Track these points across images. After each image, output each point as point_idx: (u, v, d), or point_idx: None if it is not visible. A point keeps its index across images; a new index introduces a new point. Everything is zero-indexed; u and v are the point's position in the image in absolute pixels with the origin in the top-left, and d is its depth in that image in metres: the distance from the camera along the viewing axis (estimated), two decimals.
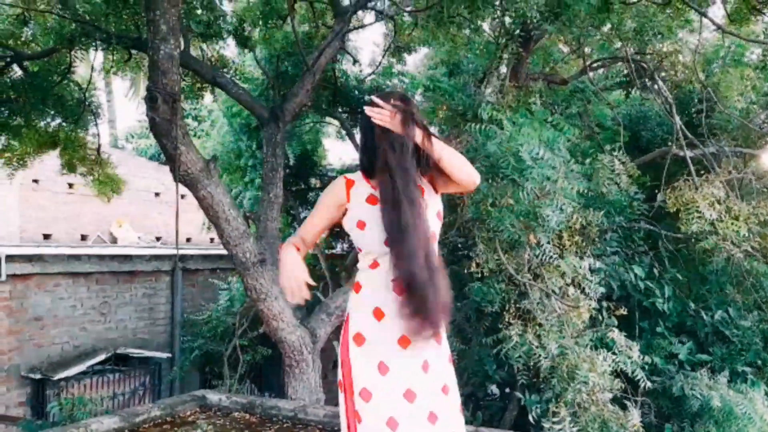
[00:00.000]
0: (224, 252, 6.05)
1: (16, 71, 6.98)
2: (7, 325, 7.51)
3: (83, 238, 12.90)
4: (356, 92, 8.31)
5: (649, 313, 6.64)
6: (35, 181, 11.74)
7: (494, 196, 4.92)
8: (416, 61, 9.90)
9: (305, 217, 9.66)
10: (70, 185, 12.04)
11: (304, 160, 9.70)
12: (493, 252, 5.21)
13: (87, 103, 7.23)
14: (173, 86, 4.89)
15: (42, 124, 7.23)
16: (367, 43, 27.24)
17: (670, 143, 6.77)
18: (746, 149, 7.01)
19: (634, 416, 4.91)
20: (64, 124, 7.32)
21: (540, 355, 4.88)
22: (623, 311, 5.48)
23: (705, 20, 6.28)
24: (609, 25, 5.99)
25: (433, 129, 7.10)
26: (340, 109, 8.63)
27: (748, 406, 5.55)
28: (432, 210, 2.22)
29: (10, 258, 7.50)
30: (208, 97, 8.50)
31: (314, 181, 10.13)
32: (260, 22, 7.59)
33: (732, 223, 5.41)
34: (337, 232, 8.67)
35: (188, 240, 13.99)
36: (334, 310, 6.21)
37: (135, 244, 13.21)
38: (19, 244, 11.23)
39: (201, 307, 9.44)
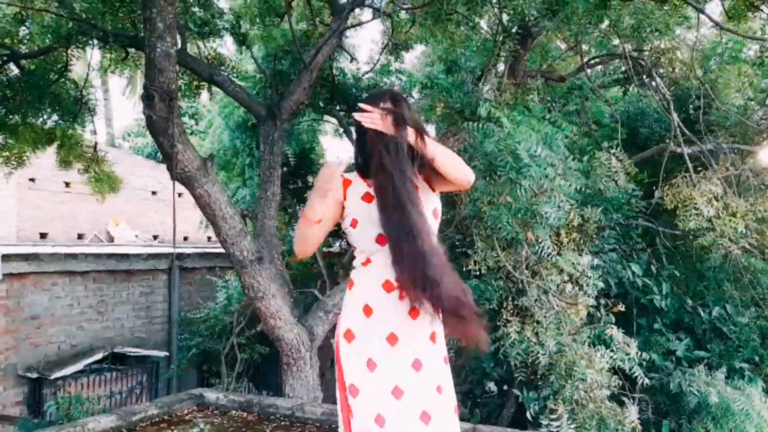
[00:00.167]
0: (221, 250, 6.04)
1: (13, 69, 6.97)
2: (3, 324, 7.50)
3: (80, 236, 12.87)
4: (354, 90, 8.29)
5: (647, 310, 6.65)
6: (32, 179, 11.72)
7: (492, 193, 4.91)
8: (413, 58, 9.89)
9: None
10: (67, 184, 12.02)
11: (302, 158, 9.68)
12: (491, 249, 5.21)
13: (84, 101, 7.22)
14: (170, 84, 4.88)
15: (39, 121, 7.21)
16: (365, 40, 27.27)
17: (667, 140, 6.77)
18: (744, 146, 7.01)
19: (632, 413, 4.91)
20: (61, 121, 7.31)
21: (538, 352, 4.88)
22: (621, 308, 5.48)
23: (702, 17, 6.28)
24: (607, 22, 5.99)
25: (430, 127, 7.11)
26: (337, 107, 8.62)
27: (745, 403, 5.55)
28: (428, 208, 2.22)
29: (6, 257, 7.49)
30: (204, 95, 8.49)
31: (312, 180, 10.11)
32: (257, 20, 7.57)
33: (729, 220, 5.41)
34: (335, 230, 8.67)
35: (185, 238, 13.98)
36: (332, 307, 6.20)
37: (132, 242, 13.19)
38: (15, 242, 11.21)
39: (198, 306, 9.43)
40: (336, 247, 9.51)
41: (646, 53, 6.94)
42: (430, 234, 2.11)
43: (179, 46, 5.99)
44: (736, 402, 5.55)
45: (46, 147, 7.42)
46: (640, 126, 7.77)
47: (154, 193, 14.23)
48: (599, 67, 8.05)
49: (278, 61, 7.83)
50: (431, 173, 2.21)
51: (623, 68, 7.41)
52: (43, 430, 4.24)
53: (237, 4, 7.73)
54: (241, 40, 7.69)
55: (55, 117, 7.32)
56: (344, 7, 6.79)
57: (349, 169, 2.29)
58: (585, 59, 7.14)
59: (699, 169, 6.10)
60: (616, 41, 6.74)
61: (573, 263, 5.03)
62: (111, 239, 13.27)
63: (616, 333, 5.16)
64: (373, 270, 2.18)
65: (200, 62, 6.97)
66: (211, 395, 5.15)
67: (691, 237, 6.18)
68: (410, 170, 2.13)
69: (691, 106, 7.21)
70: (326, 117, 9.64)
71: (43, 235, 12.14)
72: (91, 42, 6.66)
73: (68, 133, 7.35)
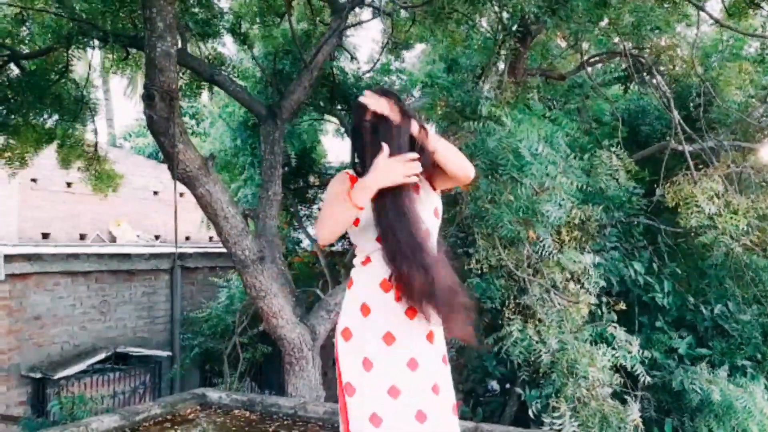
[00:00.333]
0: (223, 250, 6.05)
1: (14, 70, 6.98)
2: (6, 324, 7.51)
3: (82, 237, 12.88)
4: (354, 90, 8.29)
5: (649, 308, 6.65)
6: (34, 180, 11.72)
7: (493, 192, 4.92)
8: (414, 57, 9.88)
9: (304, 215, 9.61)
10: (69, 184, 12.03)
11: (303, 158, 9.69)
12: (493, 248, 5.21)
13: (84, 102, 7.23)
14: (171, 84, 4.88)
15: (40, 122, 7.22)
16: (365, 40, 27.24)
17: (668, 138, 6.76)
18: (745, 143, 7.00)
19: (634, 411, 4.91)
20: (61, 122, 7.32)
21: (540, 351, 4.88)
22: (623, 306, 5.48)
23: (703, 14, 6.28)
24: (607, 20, 5.98)
25: (431, 125, 7.11)
26: (338, 107, 8.62)
27: (748, 400, 5.55)
28: (429, 207, 2.22)
29: (9, 257, 7.50)
30: (205, 95, 8.49)
31: (313, 179, 10.12)
32: (257, 20, 7.57)
33: (731, 217, 5.40)
34: None
35: (187, 238, 13.98)
36: (334, 307, 6.21)
37: (134, 242, 13.20)
38: (17, 243, 11.22)
39: (200, 305, 9.44)
40: (338, 247, 9.52)
41: (647, 51, 6.93)
42: (427, 232, 2.12)
43: (179, 45, 5.99)
44: (739, 400, 5.55)
45: (47, 145, 7.44)
46: (641, 124, 7.77)
47: (155, 193, 14.22)
48: (599, 65, 8.04)
49: (279, 60, 7.83)
50: (433, 171, 2.20)
51: (624, 66, 7.40)
52: (47, 429, 4.25)
53: (237, 4, 7.73)
54: (242, 40, 7.69)
55: (56, 117, 7.33)
56: (344, 6, 6.79)
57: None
58: (585, 57, 7.13)
59: (700, 166, 6.10)
60: (617, 39, 6.74)
61: (575, 261, 5.03)
62: (113, 239, 13.27)
63: (618, 331, 5.16)
64: (371, 269, 2.18)
65: (201, 62, 6.97)
66: (213, 395, 5.16)
67: (692, 235, 6.17)
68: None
69: (691, 103, 7.20)
70: (327, 117, 9.64)
71: (45, 236, 12.15)
72: (91, 42, 6.67)
73: (69, 133, 7.36)
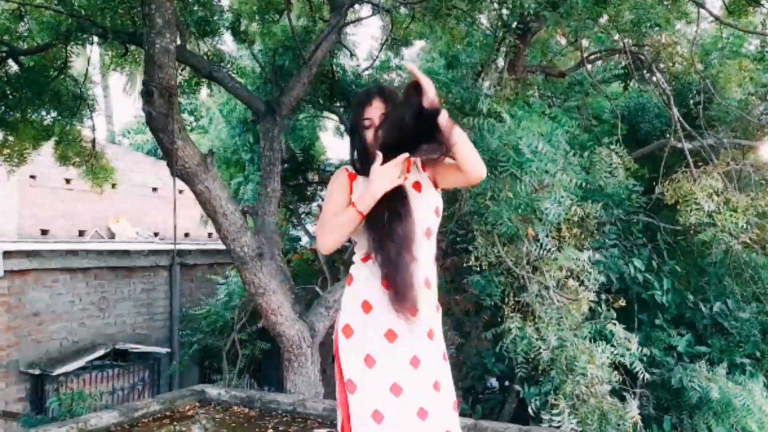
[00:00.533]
0: (222, 247, 6.04)
1: (12, 66, 6.96)
2: (5, 321, 7.51)
3: (81, 233, 12.86)
4: (353, 86, 8.27)
5: (648, 306, 6.65)
6: (32, 177, 11.70)
7: (493, 189, 4.91)
8: (413, 54, 9.85)
9: (303, 212, 9.58)
10: (68, 181, 12.01)
11: (303, 154, 9.68)
12: (492, 245, 5.21)
13: (83, 98, 7.21)
14: (169, 80, 4.87)
15: (38, 118, 7.21)
16: (365, 37, 27.21)
17: (668, 135, 6.76)
18: (744, 140, 7.00)
19: (633, 408, 4.92)
20: (60, 118, 7.30)
21: (539, 348, 4.88)
22: (622, 303, 5.49)
23: (703, 11, 6.27)
24: (606, 17, 5.98)
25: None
26: (337, 104, 8.61)
27: (746, 398, 5.56)
28: (430, 205, 2.22)
29: (7, 254, 7.49)
30: (204, 92, 8.48)
31: (312, 176, 10.11)
32: (257, 17, 7.55)
33: (730, 215, 5.40)
34: None
35: (186, 235, 13.97)
36: (333, 303, 6.20)
37: (133, 239, 13.19)
38: (16, 239, 11.21)
39: (199, 302, 9.44)
40: None
41: (646, 48, 6.92)
42: (414, 231, 2.14)
43: (178, 42, 5.98)
44: (738, 397, 5.56)
45: (45, 142, 7.42)
46: (641, 121, 7.76)
47: (154, 189, 14.20)
48: (599, 62, 8.03)
49: (278, 57, 7.82)
50: (438, 168, 2.21)
51: (623, 63, 7.39)
52: (46, 426, 4.25)
53: (237, 1, 7.71)
54: (241, 39, 7.68)
55: (54, 113, 7.31)
56: (343, 2, 6.77)
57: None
58: (585, 54, 7.13)
59: (699, 164, 6.10)
60: (616, 36, 6.73)
61: (574, 259, 5.03)
62: (112, 236, 13.26)
63: (617, 328, 5.16)
64: (372, 266, 2.17)
65: (200, 58, 6.95)
66: (212, 391, 5.16)
67: (691, 232, 6.18)
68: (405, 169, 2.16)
69: (691, 101, 7.20)
70: (327, 114, 9.63)
71: (44, 232, 12.13)
72: (90, 39, 6.65)
73: (67, 130, 7.34)
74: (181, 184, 5.50)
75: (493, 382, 8.12)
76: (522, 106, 5.26)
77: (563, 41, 7.76)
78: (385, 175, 2.06)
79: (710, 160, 6.32)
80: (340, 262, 8.63)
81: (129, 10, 6.49)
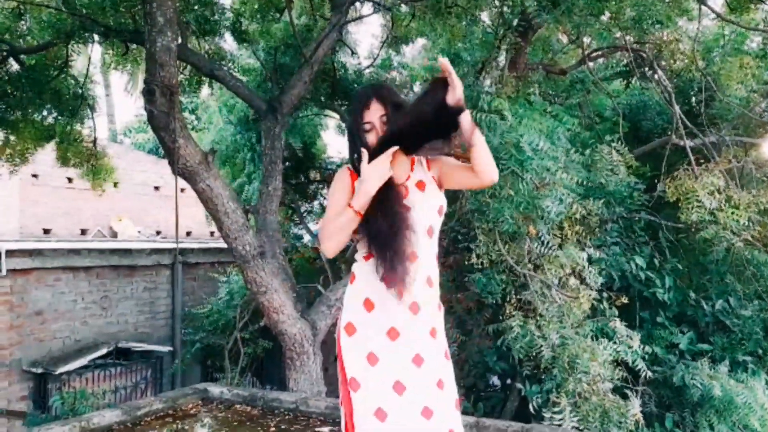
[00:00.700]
0: (224, 245, 6.04)
1: (13, 65, 6.95)
2: (8, 320, 7.52)
3: (83, 232, 12.88)
4: (355, 85, 8.27)
5: (650, 303, 6.65)
6: (34, 176, 11.71)
7: (494, 187, 4.91)
8: (414, 52, 9.85)
9: (305, 211, 9.56)
10: (70, 180, 12.02)
11: (304, 153, 9.68)
12: (493, 243, 5.21)
13: (84, 97, 7.21)
14: (171, 78, 4.87)
15: (39, 117, 7.21)
16: (366, 35, 27.17)
17: (669, 133, 6.75)
18: (746, 138, 6.99)
19: (635, 406, 4.92)
20: (60, 117, 7.30)
21: (541, 346, 4.88)
22: (624, 301, 5.49)
23: (704, 8, 6.26)
24: (608, 14, 5.96)
25: None
26: (339, 102, 8.60)
27: (748, 396, 5.56)
28: (433, 205, 2.22)
29: (10, 253, 7.51)
30: (205, 90, 8.48)
31: (314, 174, 10.11)
32: (258, 15, 7.55)
33: (732, 213, 5.39)
34: None
35: (188, 234, 13.98)
36: (335, 302, 6.21)
37: (135, 238, 13.20)
38: (19, 239, 11.22)
39: (202, 301, 9.45)
40: None
41: (648, 45, 6.91)
42: (431, 229, 2.17)
43: (180, 41, 5.98)
44: (740, 395, 5.56)
45: (46, 143, 7.42)
46: (642, 119, 7.75)
47: (156, 188, 14.21)
48: (601, 59, 8.01)
49: (279, 55, 7.82)
50: (445, 168, 2.23)
51: (625, 61, 7.38)
52: (49, 424, 4.26)
53: (238, 1, 7.70)
54: (242, 39, 7.67)
55: (55, 113, 7.31)
56: (344, 1, 6.77)
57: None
58: (586, 52, 7.12)
59: (701, 161, 6.09)
60: (618, 34, 6.72)
61: (575, 257, 5.03)
62: (114, 235, 13.27)
63: (619, 326, 5.16)
64: (374, 264, 2.17)
65: (201, 57, 6.95)
66: (215, 390, 5.16)
67: (693, 230, 6.17)
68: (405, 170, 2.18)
69: (693, 98, 7.19)
70: (328, 112, 9.62)
71: (46, 231, 12.15)
72: (91, 37, 6.64)
73: (67, 130, 7.34)
74: (182, 183, 5.50)
75: (495, 380, 8.12)
76: (523, 104, 5.25)
77: (564, 39, 7.74)
78: (375, 171, 2.08)
79: (712, 157, 6.31)
80: (341, 260, 8.63)
81: (130, 8, 6.49)
